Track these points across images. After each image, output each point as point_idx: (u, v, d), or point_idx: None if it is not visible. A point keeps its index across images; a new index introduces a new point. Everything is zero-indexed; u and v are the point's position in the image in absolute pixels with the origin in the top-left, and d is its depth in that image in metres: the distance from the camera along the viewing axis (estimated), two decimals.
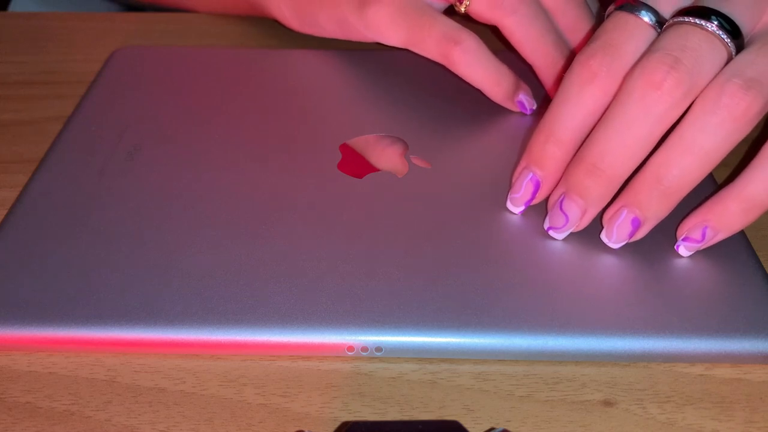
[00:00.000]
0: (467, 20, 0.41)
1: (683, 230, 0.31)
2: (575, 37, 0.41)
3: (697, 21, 0.29)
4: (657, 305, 0.29)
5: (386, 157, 0.37)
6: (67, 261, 0.31)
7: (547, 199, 0.32)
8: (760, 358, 0.28)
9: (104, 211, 0.33)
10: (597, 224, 0.31)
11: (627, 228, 0.30)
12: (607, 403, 0.27)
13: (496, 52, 0.40)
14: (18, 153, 0.39)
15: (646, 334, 0.28)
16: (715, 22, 0.29)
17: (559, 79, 0.40)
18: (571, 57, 0.40)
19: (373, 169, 0.36)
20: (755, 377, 0.28)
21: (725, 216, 0.30)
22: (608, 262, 0.31)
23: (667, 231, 0.31)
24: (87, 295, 0.29)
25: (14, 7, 0.66)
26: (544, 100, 0.41)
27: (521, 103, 0.40)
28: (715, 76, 0.29)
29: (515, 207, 0.33)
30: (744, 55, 0.29)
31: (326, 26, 0.44)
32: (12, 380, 0.28)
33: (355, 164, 0.36)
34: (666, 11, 0.30)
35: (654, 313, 0.29)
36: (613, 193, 0.30)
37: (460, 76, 0.40)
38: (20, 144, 0.40)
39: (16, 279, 0.30)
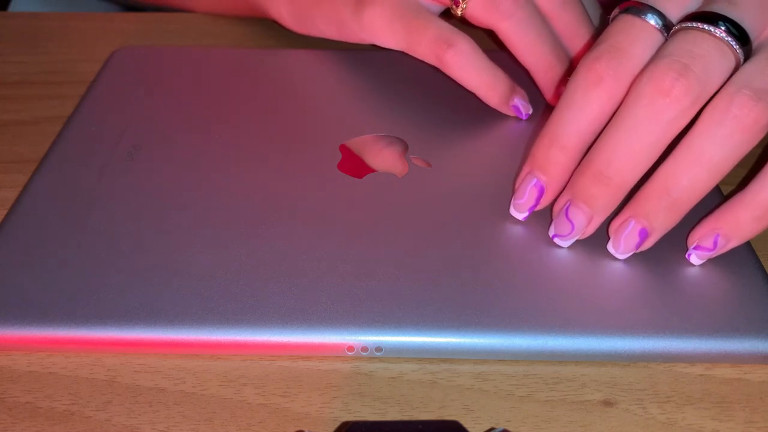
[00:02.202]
0: (464, 24, 0.41)
1: (694, 238, 0.31)
2: (572, 41, 0.41)
3: (706, 27, 0.29)
4: (657, 305, 0.29)
5: (386, 157, 0.37)
6: (67, 261, 0.31)
7: (550, 204, 0.32)
8: (760, 358, 0.28)
9: (104, 211, 0.33)
10: (608, 223, 0.31)
11: (634, 239, 0.30)
12: (607, 403, 0.27)
13: (489, 51, 0.40)
14: (18, 153, 0.39)
15: (646, 334, 0.28)
16: (723, 28, 0.28)
17: (555, 84, 0.40)
18: (567, 61, 0.40)
19: (373, 169, 0.36)
20: (755, 377, 0.28)
21: (737, 224, 0.29)
22: (608, 262, 0.31)
23: (667, 233, 0.31)
24: (87, 295, 0.29)
25: (14, 7, 0.66)
26: (545, 108, 0.41)
27: (516, 108, 0.40)
28: (724, 86, 0.28)
29: (519, 213, 0.33)
30: (753, 65, 0.29)
31: (323, 27, 0.44)
32: (12, 380, 0.28)
33: (355, 164, 0.36)
34: (673, 15, 0.30)
35: (654, 313, 0.29)
36: (619, 201, 0.30)
37: (454, 79, 0.39)
38: (20, 144, 0.40)
39: (16, 279, 0.30)
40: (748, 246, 0.31)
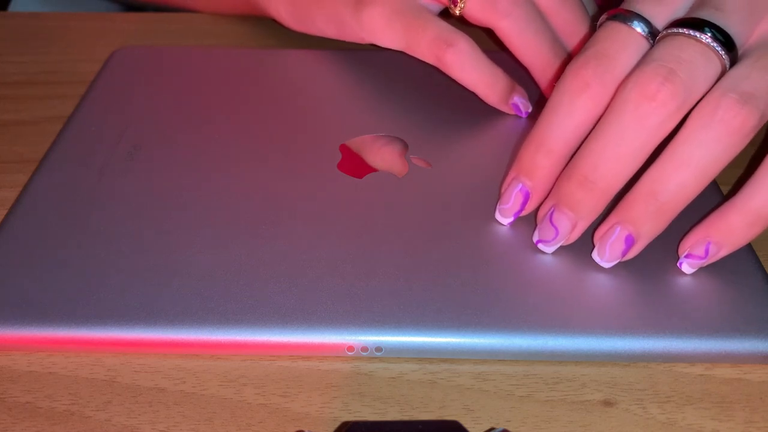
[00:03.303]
0: (462, 23, 0.41)
1: (685, 247, 0.30)
2: (571, 38, 0.41)
3: (692, 32, 0.29)
4: (657, 305, 0.29)
5: (386, 157, 0.37)
6: (67, 261, 0.31)
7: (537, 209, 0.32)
8: (760, 358, 0.28)
9: (104, 211, 0.33)
10: (596, 224, 0.31)
11: (620, 246, 0.30)
12: (607, 403, 0.27)
13: (489, 52, 0.40)
14: (18, 153, 0.39)
15: (646, 334, 0.28)
16: (709, 34, 0.28)
17: (554, 81, 0.40)
18: (567, 59, 0.40)
19: (373, 169, 0.36)
20: (755, 377, 0.28)
21: (729, 231, 0.29)
22: None
23: (666, 233, 0.31)
24: (87, 295, 0.29)
25: (14, 7, 0.66)
26: (541, 105, 0.41)
27: (516, 106, 0.40)
28: (711, 90, 0.28)
29: (504, 218, 0.32)
30: (739, 69, 0.29)
31: (322, 26, 0.44)
32: (12, 380, 0.28)
33: (355, 164, 0.36)
34: (659, 22, 0.30)
35: (654, 313, 0.29)
36: (604, 206, 0.30)
37: (453, 78, 0.39)
38: (20, 144, 0.40)
39: (16, 279, 0.30)
40: (748, 246, 0.31)
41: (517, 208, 0.32)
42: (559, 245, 0.31)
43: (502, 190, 0.32)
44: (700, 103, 0.28)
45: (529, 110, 0.40)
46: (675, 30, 0.29)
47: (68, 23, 0.52)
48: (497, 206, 0.33)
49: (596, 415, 0.27)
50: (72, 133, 0.38)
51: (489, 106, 0.40)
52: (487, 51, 0.40)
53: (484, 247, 0.31)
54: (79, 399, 0.27)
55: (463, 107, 0.40)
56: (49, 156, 0.37)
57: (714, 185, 0.35)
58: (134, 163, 0.36)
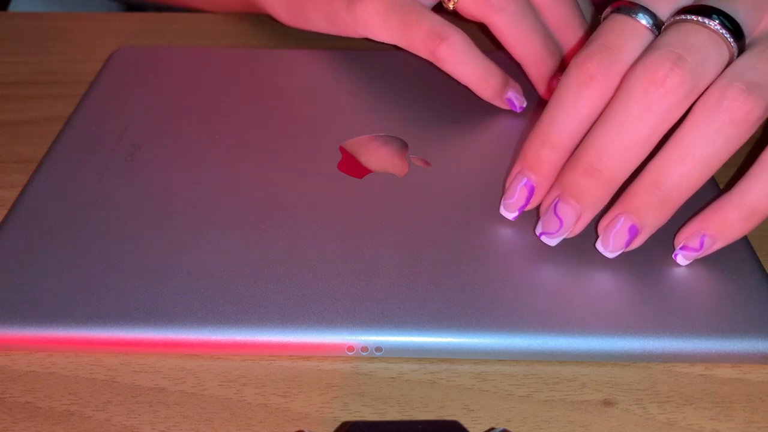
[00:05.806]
0: (456, 17, 0.41)
1: (681, 238, 0.30)
2: (564, 35, 0.41)
3: (700, 19, 0.28)
4: (657, 305, 0.29)
5: (386, 157, 0.37)
6: (67, 261, 0.31)
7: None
8: (760, 358, 0.28)
9: (104, 211, 0.33)
10: (597, 221, 0.31)
11: (624, 236, 0.30)
12: (607, 403, 0.27)
13: (485, 51, 0.40)
14: (18, 153, 0.39)
15: (646, 334, 0.28)
16: (717, 21, 0.28)
17: (548, 77, 0.40)
18: (560, 55, 0.40)
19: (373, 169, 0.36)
20: (755, 377, 0.28)
21: (724, 224, 0.29)
22: (608, 261, 0.31)
23: (666, 231, 0.31)
24: (87, 295, 0.29)
25: (14, 6, 0.66)
26: (539, 102, 0.41)
27: (510, 101, 0.40)
28: (716, 80, 0.28)
29: (509, 213, 0.32)
30: (745, 59, 0.28)
31: (316, 21, 0.44)
32: (12, 380, 0.28)
33: (355, 164, 0.36)
34: (663, 14, 0.30)
35: (654, 313, 0.29)
36: (609, 197, 0.30)
37: (447, 73, 0.39)
38: (20, 144, 0.40)
39: (16, 279, 0.30)
40: (748, 246, 0.31)
41: (522, 202, 0.32)
42: (562, 237, 0.31)
43: (507, 185, 0.32)
44: (705, 93, 0.28)
45: (524, 105, 0.40)
46: (683, 17, 0.29)
47: (68, 23, 0.52)
48: (502, 201, 0.33)
49: (596, 415, 0.27)
50: (72, 133, 0.38)
51: (488, 105, 0.40)
52: (484, 51, 0.39)
53: (484, 246, 0.31)
54: (79, 399, 0.27)
55: (462, 107, 0.40)
56: (49, 156, 0.37)
57: (711, 181, 0.35)
58: (134, 163, 0.36)
